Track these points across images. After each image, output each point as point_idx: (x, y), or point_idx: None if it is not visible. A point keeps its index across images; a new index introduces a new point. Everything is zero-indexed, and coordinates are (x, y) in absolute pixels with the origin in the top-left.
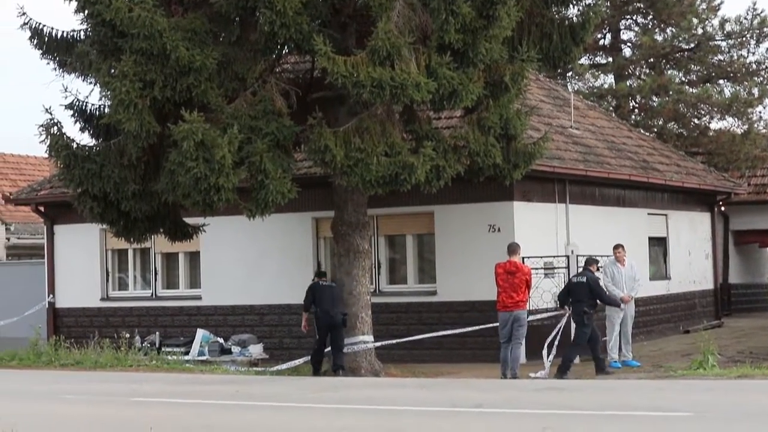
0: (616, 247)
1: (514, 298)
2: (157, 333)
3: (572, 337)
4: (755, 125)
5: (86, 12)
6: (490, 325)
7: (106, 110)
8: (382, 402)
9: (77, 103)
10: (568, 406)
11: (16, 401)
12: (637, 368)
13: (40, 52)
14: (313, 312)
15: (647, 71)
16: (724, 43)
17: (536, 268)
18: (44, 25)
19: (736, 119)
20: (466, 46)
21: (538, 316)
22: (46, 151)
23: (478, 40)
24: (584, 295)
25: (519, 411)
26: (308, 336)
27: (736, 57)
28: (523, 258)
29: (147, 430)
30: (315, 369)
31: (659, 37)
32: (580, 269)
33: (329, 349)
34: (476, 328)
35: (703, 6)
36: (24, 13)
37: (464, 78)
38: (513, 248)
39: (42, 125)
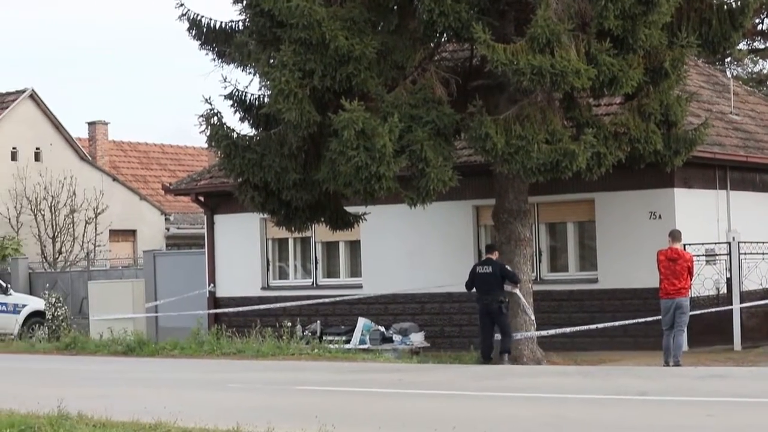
0: None
1: (676, 285)
2: (318, 322)
3: None
4: None
5: (245, 2)
6: (650, 318)
7: (266, 100)
8: (545, 390)
9: (236, 93)
10: (732, 394)
11: (180, 390)
12: None
13: (199, 42)
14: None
15: None
16: None
17: (697, 255)
18: (202, 16)
19: None
20: (626, 33)
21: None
22: (206, 141)
23: (637, 26)
24: None
25: (683, 398)
26: (470, 324)
27: None
28: (684, 245)
29: (312, 419)
30: (483, 356)
31: None
32: None
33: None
34: (641, 320)
35: None
36: (182, 4)
37: (624, 64)
38: (675, 235)
39: (202, 115)
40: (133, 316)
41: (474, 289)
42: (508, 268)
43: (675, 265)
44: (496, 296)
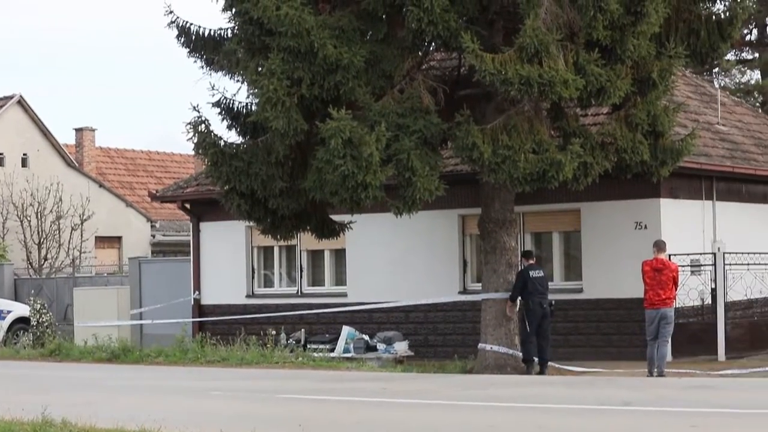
0: None
1: (661, 296)
2: (303, 330)
3: None
4: None
5: (233, 10)
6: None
7: (254, 108)
8: (529, 400)
9: (224, 101)
10: (717, 404)
11: (164, 397)
12: None
13: (187, 50)
14: (522, 301)
15: None
16: None
17: (683, 266)
18: (191, 24)
19: None
20: (614, 43)
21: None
22: (193, 149)
23: (625, 37)
24: None
25: (667, 409)
26: (454, 333)
27: None
28: (669, 255)
29: (296, 427)
30: (529, 364)
31: None
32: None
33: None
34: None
35: None
36: (171, 12)
37: (612, 75)
38: (660, 245)
39: (190, 123)
40: (118, 324)
41: (519, 297)
42: None
43: (661, 275)
44: (548, 299)
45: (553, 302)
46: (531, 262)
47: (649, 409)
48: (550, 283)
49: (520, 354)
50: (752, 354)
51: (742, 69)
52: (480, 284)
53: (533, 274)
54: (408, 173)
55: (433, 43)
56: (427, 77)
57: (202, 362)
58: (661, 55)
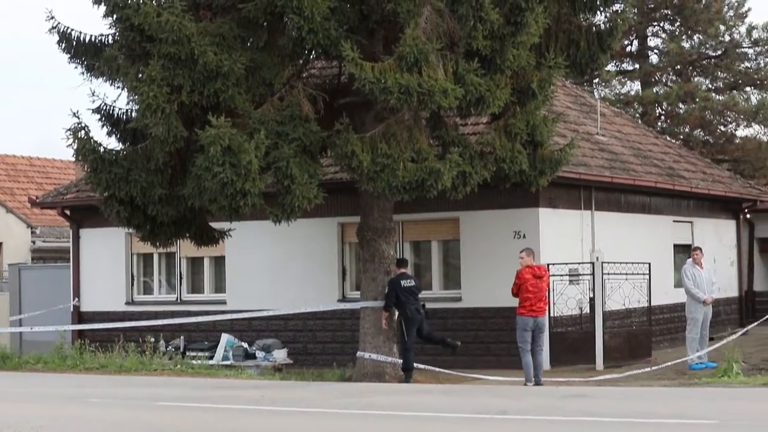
0: (695, 249)
1: (539, 304)
2: (182, 337)
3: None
4: None
5: (115, 16)
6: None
7: (134, 114)
8: (406, 408)
9: (105, 108)
10: (592, 413)
11: (42, 404)
12: (663, 375)
13: (68, 56)
14: (399, 311)
15: (674, 78)
16: (751, 51)
17: (561, 275)
18: (72, 29)
19: (762, 127)
20: (494, 53)
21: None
22: (73, 155)
23: (505, 47)
24: None
25: (543, 418)
26: (333, 341)
27: (762, 64)
28: (548, 264)
29: None
30: (409, 372)
31: (686, 44)
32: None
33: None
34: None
35: (731, 13)
36: (52, 17)
37: (491, 84)
38: (532, 252)
39: (69, 129)
40: None
41: (392, 306)
42: None
43: (542, 282)
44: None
45: (425, 304)
46: (403, 270)
47: (526, 418)
48: (428, 292)
49: (400, 362)
50: (630, 363)
51: (622, 80)
52: (359, 292)
53: (404, 284)
54: (287, 181)
55: (314, 52)
56: (307, 85)
57: (81, 369)
58: (541, 66)
